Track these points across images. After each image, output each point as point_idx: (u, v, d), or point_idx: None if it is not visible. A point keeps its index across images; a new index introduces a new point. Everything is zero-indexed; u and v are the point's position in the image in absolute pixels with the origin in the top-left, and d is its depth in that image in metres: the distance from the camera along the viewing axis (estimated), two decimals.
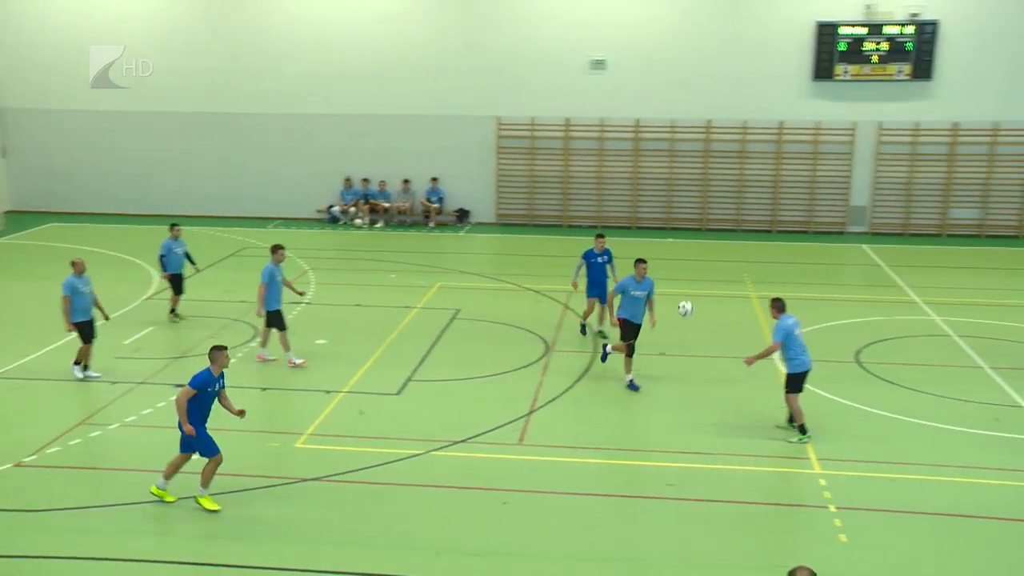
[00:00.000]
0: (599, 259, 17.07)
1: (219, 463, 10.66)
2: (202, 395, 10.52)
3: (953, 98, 26.43)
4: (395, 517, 10.58)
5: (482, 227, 28.37)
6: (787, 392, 12.75)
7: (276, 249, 15.83)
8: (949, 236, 27.03)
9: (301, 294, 17.26)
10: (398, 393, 14.45)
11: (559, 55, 27.57)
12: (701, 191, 27.89)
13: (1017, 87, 26.24)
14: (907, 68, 26.23)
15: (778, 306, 12.81)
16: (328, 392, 14.35)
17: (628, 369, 14.75)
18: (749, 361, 12.79)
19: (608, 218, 28.33)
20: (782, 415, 13.22)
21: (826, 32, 26.32)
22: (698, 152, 27.71)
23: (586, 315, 17.20)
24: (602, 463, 12.04)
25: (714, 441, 12.66)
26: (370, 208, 28.53)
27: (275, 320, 15.62)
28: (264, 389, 14.49)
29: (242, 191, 29.26)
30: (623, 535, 10.22)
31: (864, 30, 26.18)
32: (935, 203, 27.19)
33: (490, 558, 9.74)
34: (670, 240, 26.68)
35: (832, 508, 10.74)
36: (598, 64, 27.47)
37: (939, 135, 26.76)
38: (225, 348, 10.85)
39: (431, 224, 28.39)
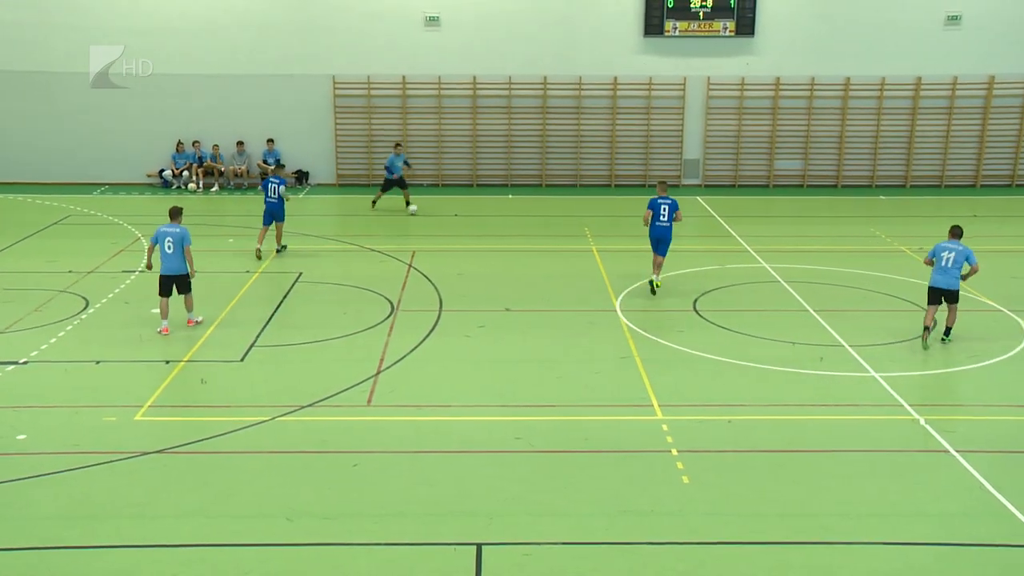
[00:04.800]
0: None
1: None
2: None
3: (775, 53, 27.50)
4: (244, 486, 10.32)
5: (322, 188, 27.79)
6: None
7: (179, 212, 15.52)
8: (775, 187, 28.25)
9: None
10: (241, 360, 14.05)
11: (394, 12, 27.12)
12: (540, 147, 28.13)
13: (832, 43, 27.48)
14: (731, 24, 27.10)
15: (951, 231, 14.86)
16: (168, 363, 13.81)
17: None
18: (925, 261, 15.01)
19: (448, 175, 28.24)
20: (624, 363, 13.59)
21: None
22: (536, 108, 27.90)
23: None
24: (451, 419, 12.07)
25: (561, 393, 12.88)
26: (204, 172, 27.49)
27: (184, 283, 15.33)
28: (98, 362, 13.82)
29: (64, 156, 27.61)
30: (471, 490, 10.28)
31: None
32: (762, 155, 28.32)
33: (343, 520, 9.64)
34: (511, 196, 26.85)
35: (674, 452, 11.11)
36: (433, 20, 27.18)
37: (763, 89, 27.82)
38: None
39: None
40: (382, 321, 15.75)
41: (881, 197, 27.09)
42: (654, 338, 14.97)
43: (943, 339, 14.77)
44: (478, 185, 28.01)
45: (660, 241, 17.27)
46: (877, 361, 13.96)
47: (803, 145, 28.23)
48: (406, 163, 24.44)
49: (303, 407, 12.29)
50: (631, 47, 27.51)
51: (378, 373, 13.50)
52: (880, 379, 13.30)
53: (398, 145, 24.71)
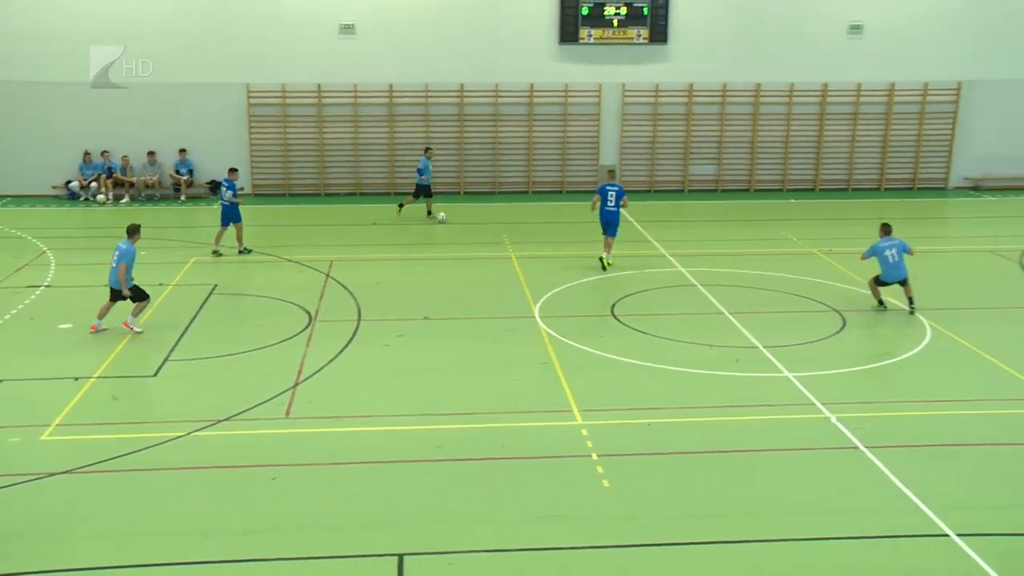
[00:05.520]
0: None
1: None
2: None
3: (688, 61, 27.98)
4: (158, 503, 10.08)
5: None
6: (872, 280, 16.95)
7: (136, 230, 15.83)
8: (690, 192, 28.71)
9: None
10: (155, 375, 13.74)
11: (308, 19, 26.88)
12: (457, 155, 28.14)
13: (742, 51, 28.08)
14: (645, 32, 27.49)
15: (882, 229, 16.90)
16: (76, 379, 13.43)
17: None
18: (863, 257, 17.06)
19: (366, 185, 28.07)
20: (543, 369, 13.68)
21: None
22: (452, 116, 27.90)
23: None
24: (370, 430, 11.98)
25: (481, 401, 12.88)
26: (114, 183, 26.83)
27: (140, 294, 15.51)
28: (1, 381, 13.36)
29: None
30: (392, 500, 10.21)
31: None
32: (676, 161, 28.76)
33: (260, 535, 9.49)
34: None
35: (594, 456, 11.20)
36: (348, 28, 27.01)
37: (677, 96, 28.27)
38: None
39: (182, 198, 27.09)
40: (299, 332, 15.56)
41: (792, 200, 27.74)
42: (573, 343, 15.07)
43: (911, 311, 16.56)
44: (396, 193, 27.88)
45: (609, 224, 19.38)
46: (790, 361, 14.27)
47: (716, 150, 28.76)
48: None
49: (219, 421, 12.06)
50: (547, 55, 27.71)
51: (296, 385, 13.33)
52: (793, 379, 13.60)
53: (428, 149, 24.95)
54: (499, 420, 12.24)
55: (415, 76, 27.48)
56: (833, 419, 12.22)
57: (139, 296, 15.53)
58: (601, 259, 19.34)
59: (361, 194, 27.92)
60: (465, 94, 27.71)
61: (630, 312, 16.75)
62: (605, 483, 10.57)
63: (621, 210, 19.37)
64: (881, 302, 16.87)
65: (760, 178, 29.01)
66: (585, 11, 27.19)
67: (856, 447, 11.43)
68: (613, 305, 17.15)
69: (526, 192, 28.32)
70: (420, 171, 24.18)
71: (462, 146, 28.06)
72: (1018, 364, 14.14)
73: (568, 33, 27.37)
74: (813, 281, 18.62)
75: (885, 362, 14.41)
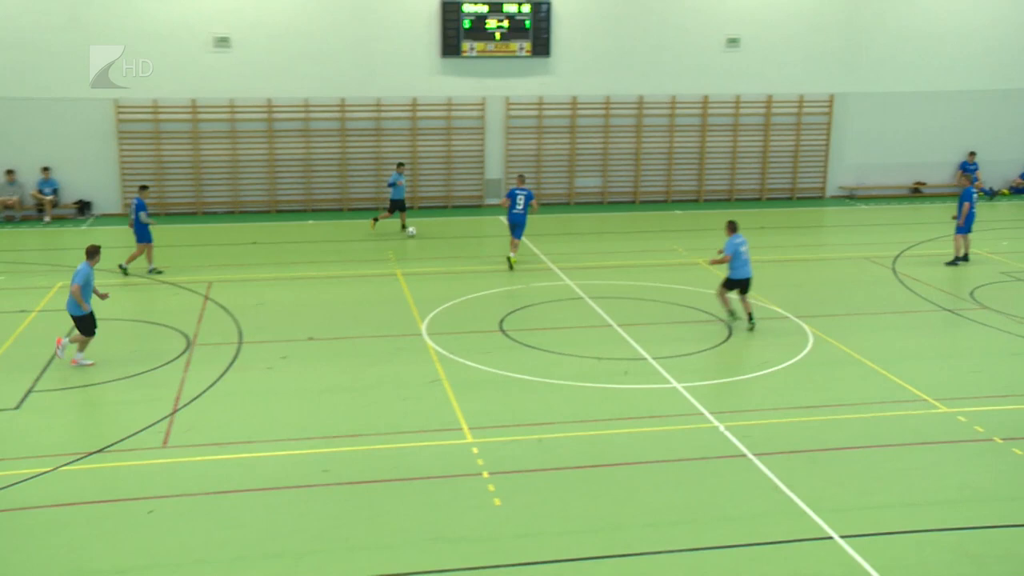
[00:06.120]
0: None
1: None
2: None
3: (570, 73, 28.36)
4: (22, 545, 9.60)
5: (107, 219, 26.46)
6: (721, 285, 16.69)
7: (95, 252, 14.97)
8: (576, 204, 29.07)
9: (104, 296, 15.35)
10: (17, 408, 13.11)
11: (180, 32, 26.23)
12: (340, 170, 27.84)
13: (624, 63, 28.62)
14: (527, 45, 27.76)
15: (732, 226, 16.64)
16: None
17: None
18: (711, 262, 16.98)
19: (245, 203, 27.52)
20: (432, 388, 13.60)
21: (451, 10, 27.16)
22: (334, 131, 27.62)
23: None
24: (254, 456, 11.68)
25: (369, 422, 12.72)
26: None
27: (86, 325, 14.66)
28: None
29: None
30: (279, 529, 9.98)
31: (485, 8, 27.30)
32: (562, 174, 29.09)
33: (137, 573, 9.13)
34: (311, 222, 26.44)
35: (485, 475, 11.17)
36: (223, 42, 26.46)
37: (560, 109, 28.62)
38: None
39: (46, 218, 26.04)
40: (177, 357, 15.11)
41: (677, 212, 28.37)
42: (462, 360, 15.03)
43: (751, 326, 16.52)
44: (277, 211, 27.41)
45: (516, 226, 20.87)
46: (678, 372, 14.54)
47: (601, 163, 29.20)
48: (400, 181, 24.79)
49: (90, 454, 11.59)
50: (429, 68, 27.69)
51: (174, 412, 12.92)
52: (682, 389, 13.86)
53: (401, 164, 25.14)
54: (388, 441, 12.10)
55: (294, 90, 27.10)
56: (721, 428, 12.49)
57: (84, 326, 14.66)
58: (508, 259, 20.78)
59: (240, 212, 27.35)
60: (346, 109, 27.46)
61: (519, 327, 16.81)
62: (497, 502, 10.55)
63: (528, 216, 20.97)
64: (732, 312, 16.85)
65: (645, 190, 29.58)
66: (467, 24, 27.30)
67: (744, 455, 11.70)
68: (501, 320, 17.19)
69: (411, 207, 28.20)
70: (391, 185, 24.31)
71: (344, 162, 27.78)
72: (893, 367, 14.72)
73: (450, 46, 27.41)
74: (700, 292, 19.04)
75: (770, 369, 14.82)
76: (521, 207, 20.73)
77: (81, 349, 14.74)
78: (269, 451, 11.86)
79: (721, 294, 16.85)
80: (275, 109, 27.12)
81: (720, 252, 16.74)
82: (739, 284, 16.63)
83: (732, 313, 16.87)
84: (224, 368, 14.67)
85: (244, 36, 26.59)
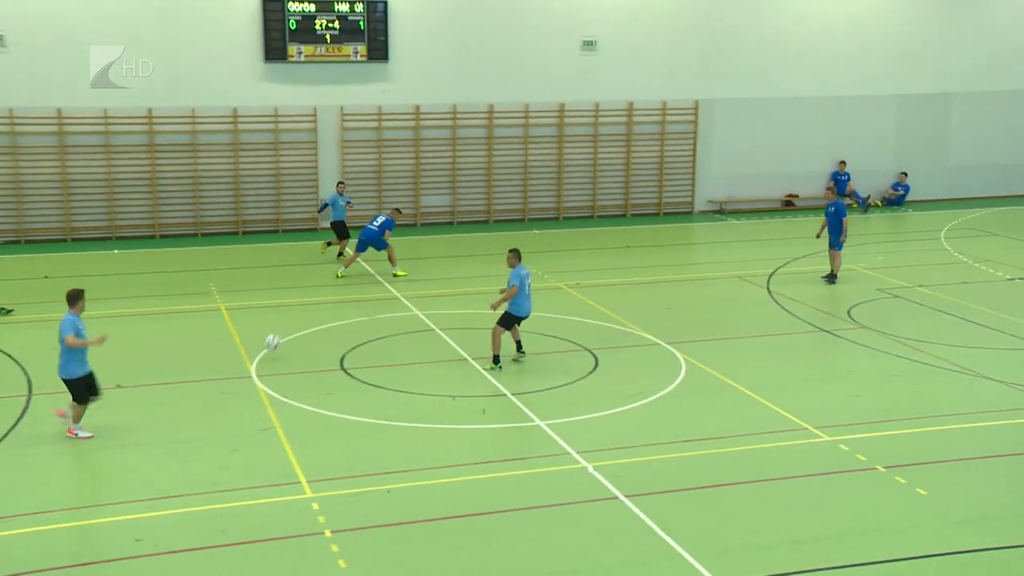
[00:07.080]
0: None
1: None
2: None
3: (412, 80, 28.45)
4: None
5: None
6: (498, 324, 16.29)
7: (78, 297, 13.55)
8: (423, 225, 29.09)
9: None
10: None
11: (53, 35, 25.40)
12: (150, 191, 27.05)
13: (471, 69, 28.91)
14: (362, 49, 27.70)
15: (516, 255, 16.46)
16: None
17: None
18: (495, 306, 16.54)
19: (32, 231, 26.35)
20: (265, 437, 13.32)
21: (273, 9, 26.85)
22: (141, 145, 26.80)
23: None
24: (49, 529, 11.16)
25: (191, 479, 12.33)
26: None
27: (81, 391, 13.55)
28: None
29: None
30: None
31: (313, 7, 27.11)
32: (406, 191, 29.01)
33: None
34: (116, 252, 25.64)
35: (328, 533, 10.98)
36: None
37: (402, 119, 28.63)
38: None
39: None
40: None
41: (534, 231, 28.74)
42: (298, 404, 14.78)
43: (520, 356, 16.80)
44: (74, 240, 26.40)
45: (362, 243, 22.42)
46: (541, 408, 14.68)
47: (450, 179, 29.34)
48: (348, 204, 24.90)
49: None
50: (251, 74, 27.30)
51: None
52: (546, 427, 13.99)
53: (340, 183, 25.44)
54: (214, 501, 11.76)
55: (90, 100, 26.12)
56: (590, 468, 12.64)
57: (78, 393, 13.51)
58: (395, 274, 22.46)
59: (27, 242, 26.21)
60: (154, 121, 26.72)
61: (362, 364, 16.66)
62: (341, 564, 10.38)
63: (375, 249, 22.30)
64: (497, 358, 16.35)
65: (498, 207, 29.88)
66: (292, 25, 27.02)
67: (616, 497, 11.87)
68: (343, 357, 17.00)
69: (235, 233, 27.65)
70: (329, 204, 24.62)
71: (154, 181, 27.00)
72: (771, 394, 15.26)
73: (275, 50, 27.08)
74: (562, 319, 19.30)
75: (641, 402, 15.11)
76: (377, 225, 22.51)
77: (76, 420, 13.64)
78: (70, 521, 11.34)
79: (497, 334, 16.35)
80: (66, 121, 26.09)
81: (503, 291, 16.67)
82: (519, 321, 16.51)
83: (497, 359, 16.36)
84: (10, 425, 13.99)
85: (22, 36, 25.47)
